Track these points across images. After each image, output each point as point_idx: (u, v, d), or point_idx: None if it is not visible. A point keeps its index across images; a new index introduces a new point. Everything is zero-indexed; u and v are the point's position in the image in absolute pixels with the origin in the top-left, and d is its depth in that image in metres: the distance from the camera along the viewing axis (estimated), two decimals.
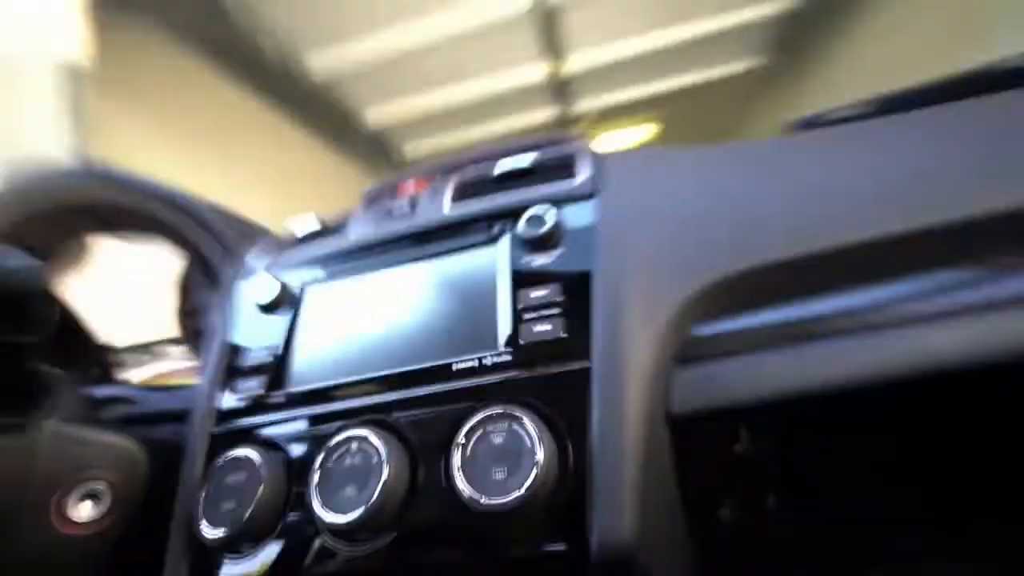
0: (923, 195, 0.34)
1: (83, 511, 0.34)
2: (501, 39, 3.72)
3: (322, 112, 4.18)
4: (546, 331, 0.33)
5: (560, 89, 4.41)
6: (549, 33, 3.74)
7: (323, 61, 3.73)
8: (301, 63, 3.72)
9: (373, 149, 4.77)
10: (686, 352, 0.34)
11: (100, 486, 0.35)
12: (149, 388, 0.53)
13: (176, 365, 0.81)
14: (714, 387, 0.33)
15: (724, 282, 0.34)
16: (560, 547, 0.27)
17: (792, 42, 4.06)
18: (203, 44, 3.33)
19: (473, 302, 0.36)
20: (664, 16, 3.71)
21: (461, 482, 0.28)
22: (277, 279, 0.42)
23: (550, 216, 0.37)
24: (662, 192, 0.39)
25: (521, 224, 0.37)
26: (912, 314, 0.31)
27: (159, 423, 0.42)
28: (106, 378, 0.63)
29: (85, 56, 2.17)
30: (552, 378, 0.31)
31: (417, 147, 4.92)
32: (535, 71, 4.15)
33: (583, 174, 0.42)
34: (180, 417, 0.40)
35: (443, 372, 0.33)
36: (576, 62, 4.09)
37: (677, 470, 0.34)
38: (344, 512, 0.29)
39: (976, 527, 0.44)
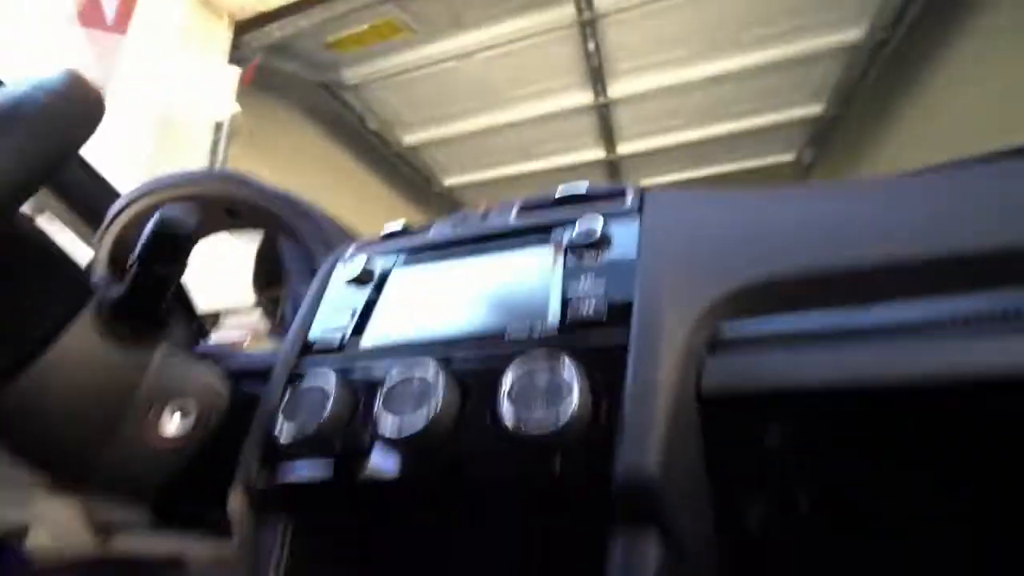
0: (934, 228, 0.32)
1: (170, 428, 0.35)
2: (563, 126, 3.92)
3: (407, 175, 4.48)
4: (590, 314, 0.34)
5: (613, 169, 4.53)
6: (605, 123, 3.91)
7: (413, 136, 4.04)
8: (396, 136, 4.04)
9: (446, 208, 5.02)
10: (719, 343, 0.34)
11: (187, 408, 0.36)
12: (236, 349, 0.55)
13: (245, 332, 0.84)
14: (743, 374, 0.32)
15: (749, 287, 0.34)
16: (588, 475, 0.28)
17: (829, 140, 4.03)
18: (322, 117, 3.70)
19: (528, 288, 0.38)
20: (706, 114, 3.81)
21: (506, 412, 0.29)
22: (366, 260, 0.46)
23: (599, 224, 0.39)
24: (699, 213, 0.41)
25: (574, 230, 0.39)
26: (955, 327, 0.30)
27: (243, 378, 0.44)
28: (197, 337, 0.67)
29: (233, 117, 2.46)
30: (593, 349, 0.32)
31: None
32: (591, 153, 4.30)
33: (630, 199, 0.44)
34: (263, 374, 0.42)
35: (497, 337, 0.35)
36: (627, 147, 4.22)
37: (706, 459, 0.33)
38: (402, 427, 0.30)
39: None
